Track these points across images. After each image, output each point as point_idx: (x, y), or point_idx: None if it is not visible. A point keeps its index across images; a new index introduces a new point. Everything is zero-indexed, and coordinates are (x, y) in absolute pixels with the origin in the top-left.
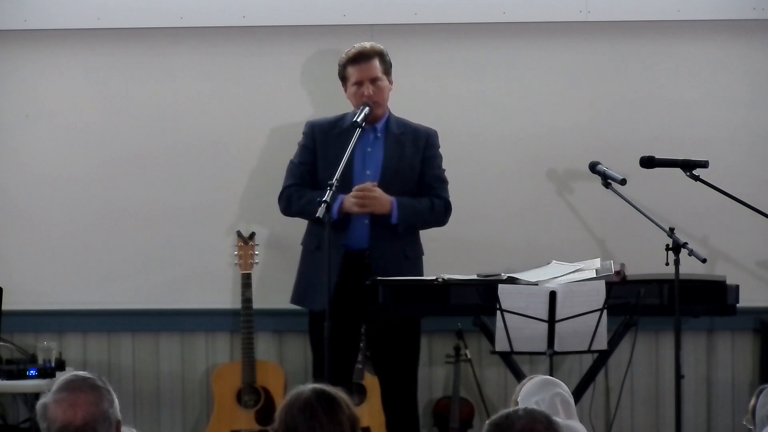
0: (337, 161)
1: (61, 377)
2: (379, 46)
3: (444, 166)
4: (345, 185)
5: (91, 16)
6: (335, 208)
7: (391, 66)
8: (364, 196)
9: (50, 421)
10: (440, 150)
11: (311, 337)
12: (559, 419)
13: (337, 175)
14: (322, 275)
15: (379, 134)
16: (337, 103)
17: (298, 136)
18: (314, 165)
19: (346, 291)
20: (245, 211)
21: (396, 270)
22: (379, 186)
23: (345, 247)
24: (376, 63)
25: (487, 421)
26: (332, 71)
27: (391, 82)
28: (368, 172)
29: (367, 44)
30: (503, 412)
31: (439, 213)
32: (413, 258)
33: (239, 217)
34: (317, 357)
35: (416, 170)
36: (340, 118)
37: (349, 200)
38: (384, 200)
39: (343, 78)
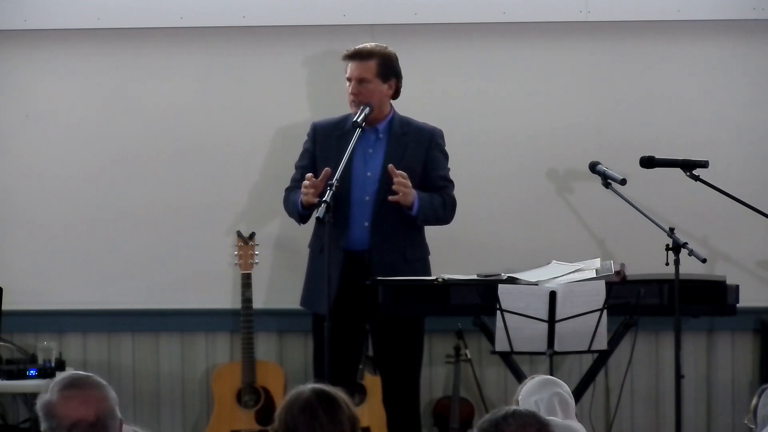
0: (336, 163)
1: (60, 377)
2: (387, 50)
3: (449, 166)
4: (345, 187)
5: (91, 16)
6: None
7: (393, 71)
8: (405, 184)
9: (60, 418)
10: (446, 149)
11: (315, 339)
12: (558, 419)
13: (337, 175)
14: (324, 277)
15: (381, 135)
16: (337, 103)
17: (298, 137)
18: (314, 167)
19: (348, 292)
20: (245, 211)
21: (394, 272)
22: (379, 187)
23: (345, 248)
24: (371, 64)
25: (475, 428)
26: (332, 71)
27: (391, 87)
28: (369, 174)
29: (371, 45)
30: (491, 418)
31: (448, 210)
32: (413, 260)
33: (239, 217)
34: (319, 359)
35: (417, 171)
36: (343, 119)
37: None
38: (412, 192)
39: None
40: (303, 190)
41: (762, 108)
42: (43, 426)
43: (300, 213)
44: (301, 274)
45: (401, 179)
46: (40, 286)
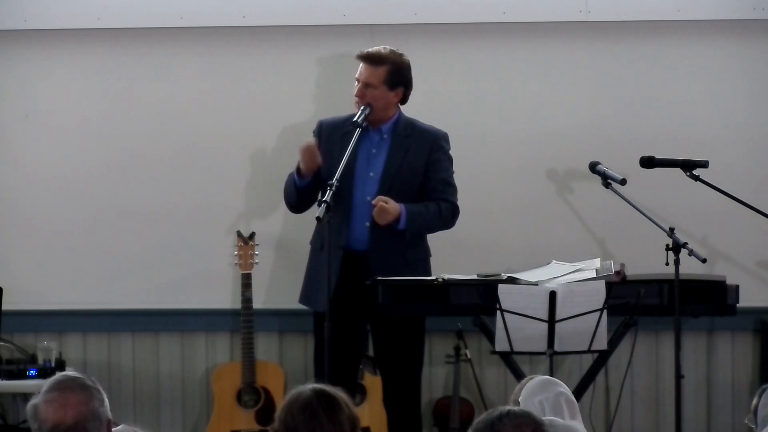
0: (338, 161)
1: (51, 378)
2: (401, 57)
3: (453, 170)
4: (347, 186)
5: (91, 16)
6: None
7: (403, 80)
8: (384, 209)
9: (41, 421)
10: (450, 152)
11: (315, 339)
12: (560, 420)
13: (337, 175)
14: (323, 275)
15: (385, 136)
16: (337, 104)
17: (298, 137)
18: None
19: (346, 292)
20: (245, 211)
21: (394, 273)
22: (380, 188)
23: (345, 248)
24: (380, 71)
25: (470, 429)
26: (333, 72)
27: (398, 95)
28: (371, 174)
29: (386, 50)
30: (486, 419)
31: (446, 217)
32: (413, 261)
33: (239, 217)
34: (320, 359)
35: (419, 174)
36: (349, 118)
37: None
38: (393, 210)
39: None
40: (300, 155)
41: (762, 108)
42: (31, 427)
43: (297, 186)
44: (301, 274)
45: (381, 205)
46: (40, 286)
